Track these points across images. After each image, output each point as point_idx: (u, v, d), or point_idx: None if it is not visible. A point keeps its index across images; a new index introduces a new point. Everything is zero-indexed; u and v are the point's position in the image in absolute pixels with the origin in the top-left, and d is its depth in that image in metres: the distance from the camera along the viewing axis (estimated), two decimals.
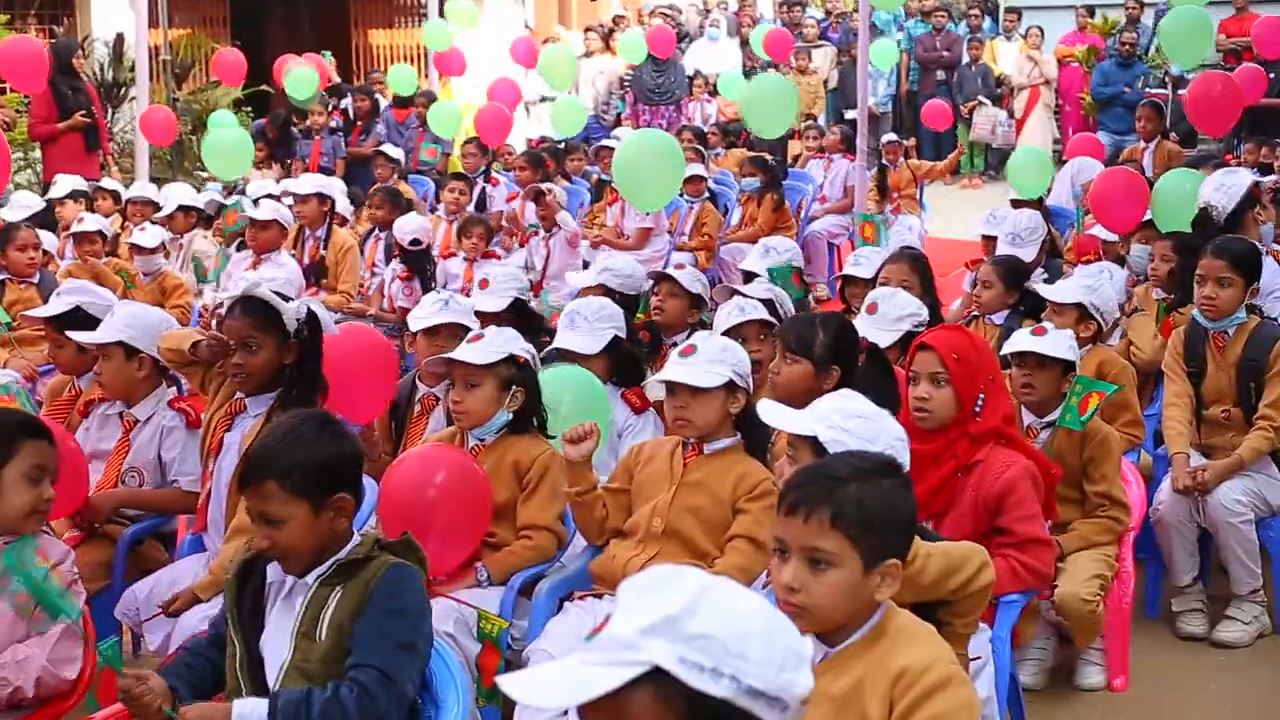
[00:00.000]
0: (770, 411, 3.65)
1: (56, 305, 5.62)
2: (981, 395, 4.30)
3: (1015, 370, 5.01)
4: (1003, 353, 5.06)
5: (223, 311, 5.00)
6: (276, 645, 3.27)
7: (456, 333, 5.38)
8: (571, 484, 4.45)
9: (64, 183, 10.42)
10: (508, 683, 1.85)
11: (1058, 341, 4.95)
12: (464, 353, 4.65)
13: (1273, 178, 8.70)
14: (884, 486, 2.80)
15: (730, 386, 4.33)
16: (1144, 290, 6.87)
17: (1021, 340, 4.99)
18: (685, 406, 4.34)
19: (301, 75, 14.03)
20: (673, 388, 4.35)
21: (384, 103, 14.52)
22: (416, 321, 5.67)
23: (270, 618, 3.31)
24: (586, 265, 8.53)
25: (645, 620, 1.83)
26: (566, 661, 1.87)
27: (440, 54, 14.08)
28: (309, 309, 4.77)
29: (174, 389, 5.22)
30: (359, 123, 13.80)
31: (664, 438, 4.69)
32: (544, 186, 9.90)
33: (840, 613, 2.74)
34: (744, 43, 17.98)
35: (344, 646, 3.18)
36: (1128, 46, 16.85)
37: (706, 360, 4.32)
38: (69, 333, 5.28)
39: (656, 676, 1.80)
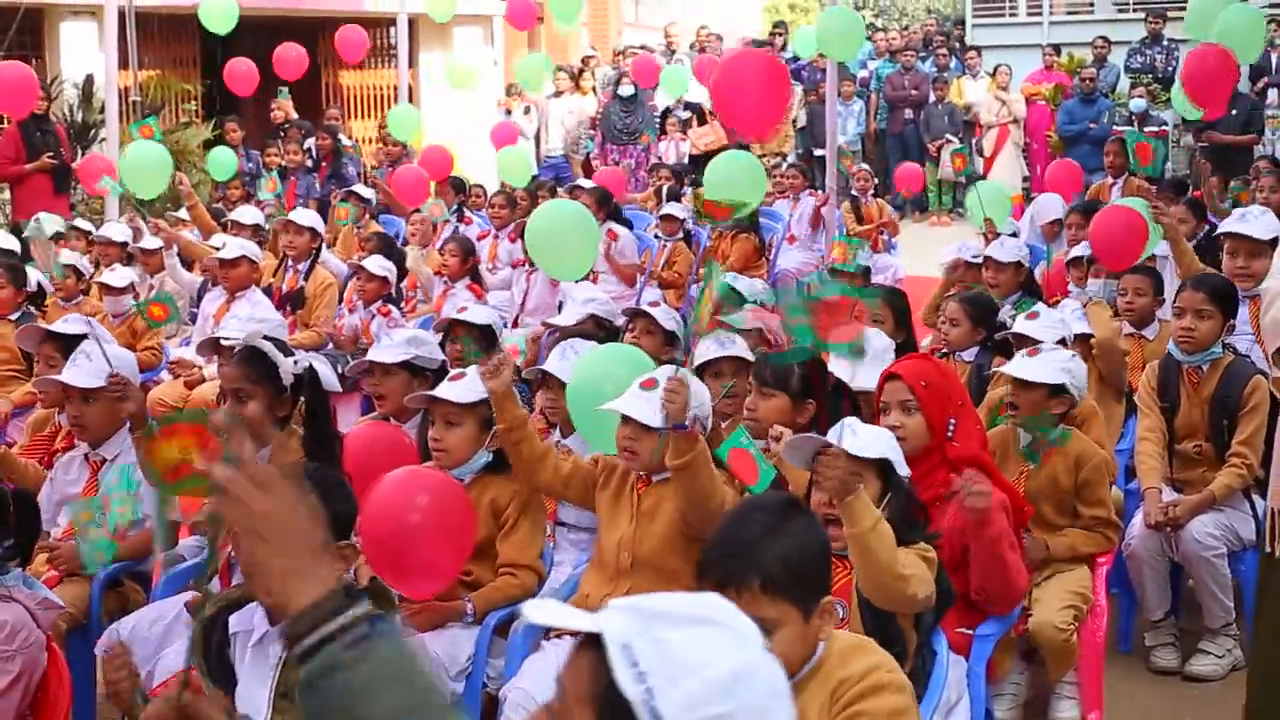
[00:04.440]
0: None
1: (65, 328, 5.66)
2: (953, 421, 4.34)
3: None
4: (1004, 371, 5.18)
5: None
6: (253, 701, 3.20)
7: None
8: (501, 421, 4.40)
9: (48, 222, 10.33)
10: (529, 608, 1.90)
11: (1048, 365, 5.03)
12: (446, 391, 4.62)
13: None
14: (794, 532, 2.86)
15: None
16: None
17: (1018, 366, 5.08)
18: (635, 439, 4.27)
19: (221, 159, 12.71)
20: (625, 417, 4.28)
21: (346, 142, 14.50)
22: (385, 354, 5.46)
23: (242, 670, 3.26)
24: (561, 306, 8.52)
25: (631, 602, 1.79)
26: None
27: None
28: (310, 365, 4.76)
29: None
30: (323, 163, 13.76)
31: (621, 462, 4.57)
32: None
33: (794, 663, 2.82)
34: None
35: None
36: (1089, 82, 17.03)
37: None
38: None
39: (600, 650, 1.74)
